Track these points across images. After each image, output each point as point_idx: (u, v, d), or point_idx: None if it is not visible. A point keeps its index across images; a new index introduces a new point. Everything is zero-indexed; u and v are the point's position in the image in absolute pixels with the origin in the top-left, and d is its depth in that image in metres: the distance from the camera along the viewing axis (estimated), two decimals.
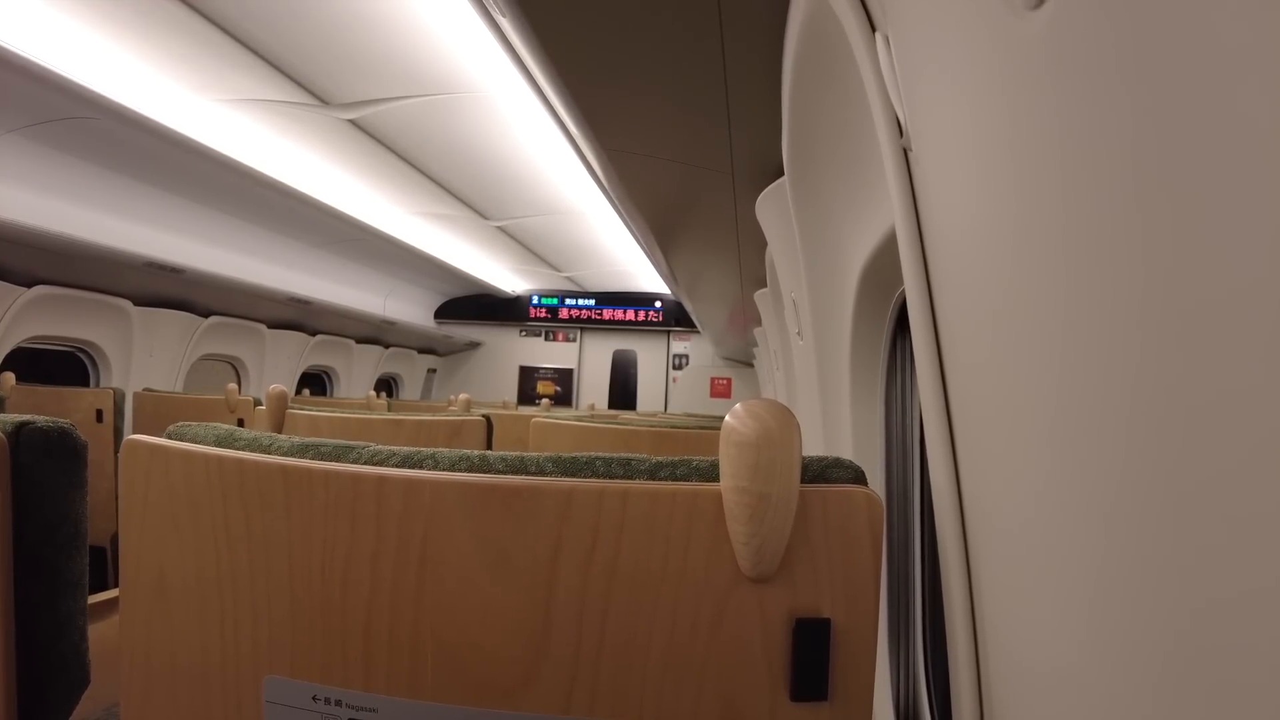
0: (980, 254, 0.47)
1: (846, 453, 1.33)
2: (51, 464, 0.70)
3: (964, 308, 0.52)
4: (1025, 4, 0.35)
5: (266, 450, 0.57)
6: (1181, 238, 0.28)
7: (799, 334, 1.77)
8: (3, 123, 2.67)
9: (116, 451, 2.86)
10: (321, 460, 0.55)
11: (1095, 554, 0.36)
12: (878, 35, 0.64)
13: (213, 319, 4.53)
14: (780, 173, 1.64)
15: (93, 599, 0.79)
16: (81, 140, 2.89)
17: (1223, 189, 0.26)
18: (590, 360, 8.29)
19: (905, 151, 0.60)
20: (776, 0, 1.12)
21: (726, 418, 0.49)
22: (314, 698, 0.53)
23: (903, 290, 1.17)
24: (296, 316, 5.23)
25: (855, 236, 1.15)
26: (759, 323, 4.26)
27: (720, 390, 7.97)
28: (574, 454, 0.54)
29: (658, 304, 7.90)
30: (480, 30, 2.04)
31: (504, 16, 1.35)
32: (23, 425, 0.69)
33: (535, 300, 8.04)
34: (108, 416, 2.85)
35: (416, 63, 2.51)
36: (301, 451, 0.57)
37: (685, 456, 0.53)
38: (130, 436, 0.59)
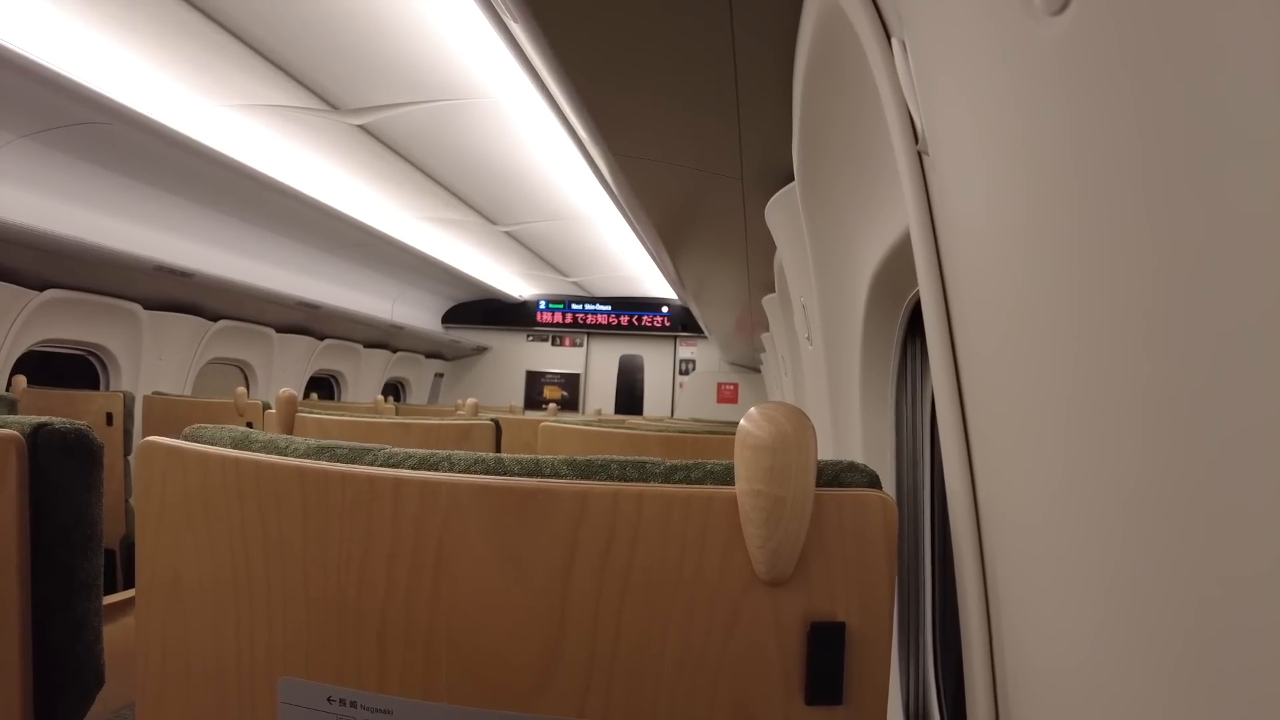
0: (996, 257, 0.47)
1: (857, 457, 1.33)
2: (68, 465, 0.71)
3: (979, 311, 0.52)
4: (1046, 9, 0.35)
5: (283, 452, 0.58)
6: (1195, 241, 0.28)
7: (808, 339, 1.77)
8: (15, 128, 2.69)
9: (126, 455, 2.87)
10: (337, 462, 0.55)
11: (1112, 553, 0.36)
12: (893, 41, 0.64)
13: (222, 323, 4.55)
14: (790, 177, 1.64)
15: (105, 600, 0.79)
16: (93, 145, 2.91)
17: (1235, 194, 0.26)
18: (597, 365, 8.29)
19: (921, 156, 0.60)
20: (788, 7, 1.12)
21: (742, 421, 0.49)
22: (329, 699, 0.54)
23: (914, 294, 1.18)
24: (305, 321, 5.25)
25: (867, 241, 1.15)
26: (766, 328, 4.26)
27: (727, 396, 7.96)
28: (588, 456, 0.54)
29: (665, 309, 7.90)
30: (491, 36, 2.05)
31: (515, 22, 1.36)
32: (41, 426, 0.70)
33: (542, 305, 8.05)
34: (118, 420, 2.86)
35: (426, 68, 2.52)
36: (317, 453, 0.57)
37: (695, 460, 0.53)
38: (147, 438, 0.60)
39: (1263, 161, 0.25)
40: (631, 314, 7.99)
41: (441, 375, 8.18)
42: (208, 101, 2.82)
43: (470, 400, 3.14)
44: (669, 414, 7.96)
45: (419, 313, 6.92)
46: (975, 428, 0.55)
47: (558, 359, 8.27)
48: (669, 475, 0.52)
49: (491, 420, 1.58)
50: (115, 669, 0.79)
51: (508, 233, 5.07)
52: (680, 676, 0.49)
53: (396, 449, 0.57)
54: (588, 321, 8.05)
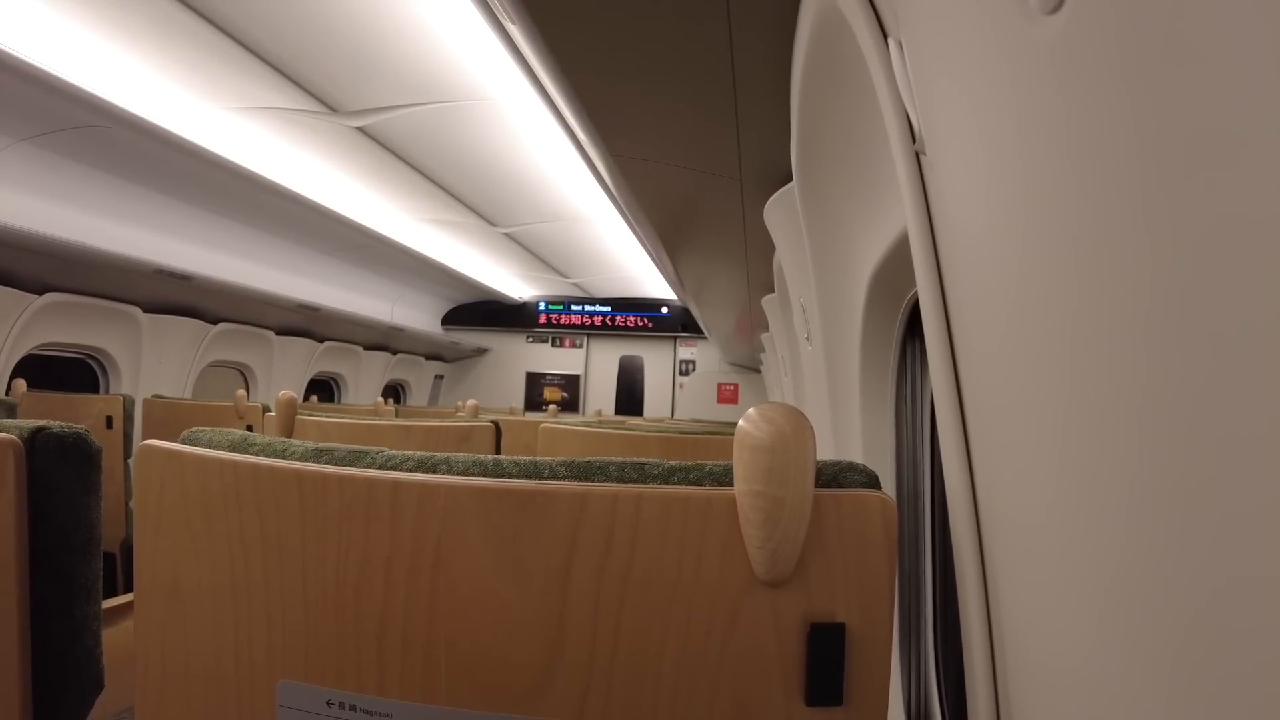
0: (993, 256, 0.47)
1: (857, 457, 1.33)
2: (67, 469, 0.71)
3: (977, 310, 0.52)
4: (1041, 8, 0.35)
5: (281, 455, 0.57)
6: (1192, 239, 0.28)
7: (808, 339, 1.77)
8: (14, 131, 2.69)
9: (126, 458, 2.87)
10: (336, 465, 0.55)
11: (1111, 552, 0.36)
12: (890, 41, 0.64)
13: (221, 326, 4.55)
14: (789, 178, 1.64)
15: (105, 604, 0.79)
16: (92, 148, 2.91)
17: (1232, 192, 0.26)
18: (597, 366, 8.29)
19: (918, 156, 0.60)
20: (786, 7, 1.12)
21: (740, 421, 0.49)
22: (328, 702, 0.54)
23: (913, 294, 1.18)
24: (304, 323, 5.25)
25: (865, 241, 1.15)
26: (766, 328, 4.26)
27: (727, 396, 7.96)
28: (587, 458, 0.54)
29: (664, 310, 7.90)
30: (489, 38, 2.05)
31: (513, 24, 1.36)
32: (39, 430, 0.69)
33: (542, 306, 8.05)
34: (117, 423, 2.86)
35: (425, 70, 2.52)
36: (315, 456, 0.57)
37: (695, 461, 0.53)
38: (145, 442, 0.60)
39: (1260, 159, 0.25)
40: (631, 315, 7.98)
41: (442, 377, 8.18)
42: (206, 104, 2.82)
43: (470, 402, 3.14)
44: (669, 415, 7.96)
45: (419, 315, 6.92)
46: (974, 427, 0.55)
47: (558, 360, 8.27)
48: (668, 476, 0.52)
49: (492, 422, 1.58)
50: (115, 673, 0.79)
51: (507, 234, 5.07)
52: (680, 678, 0.49)
53: (395, 451, 0.57)
54: (587, 322, 8.05)
